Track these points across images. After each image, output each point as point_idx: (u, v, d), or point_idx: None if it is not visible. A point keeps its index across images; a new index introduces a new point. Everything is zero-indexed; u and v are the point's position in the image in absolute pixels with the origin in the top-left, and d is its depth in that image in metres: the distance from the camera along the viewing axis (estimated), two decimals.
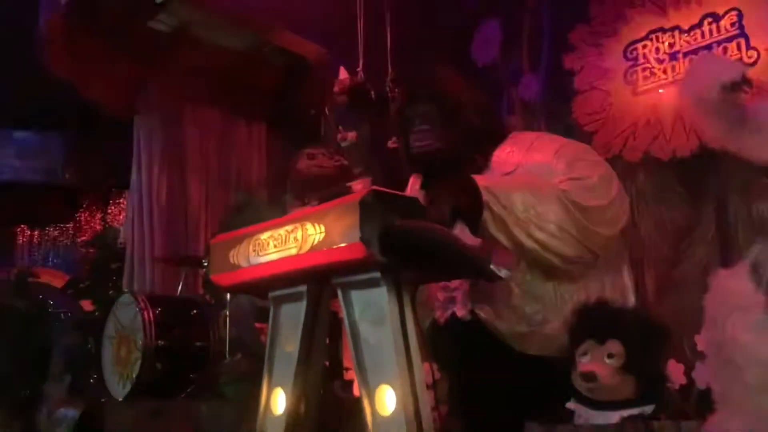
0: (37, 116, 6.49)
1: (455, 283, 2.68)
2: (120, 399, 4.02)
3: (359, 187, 4.23)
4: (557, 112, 4.42)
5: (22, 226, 7.51)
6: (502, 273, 2.22)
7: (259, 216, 3.75)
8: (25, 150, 6.86)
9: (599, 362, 2.25)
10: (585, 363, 2.28)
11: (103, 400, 4.32)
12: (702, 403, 2.48)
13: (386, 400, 2.19)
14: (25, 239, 7.64)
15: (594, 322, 2.33)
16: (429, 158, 2.70)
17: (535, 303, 2.55)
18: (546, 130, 4.12)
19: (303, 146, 4.32)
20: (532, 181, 2.51)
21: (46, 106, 6.09)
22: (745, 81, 2.65)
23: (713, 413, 2.20)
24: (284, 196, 4.69)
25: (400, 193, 2.38)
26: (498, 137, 2.78)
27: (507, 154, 2.71)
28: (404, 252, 2.16)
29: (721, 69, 2.76)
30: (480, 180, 2.45)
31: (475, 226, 2.42)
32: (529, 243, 2.42)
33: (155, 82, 5.33)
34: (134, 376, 3.94)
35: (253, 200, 4.99)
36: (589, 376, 2.23)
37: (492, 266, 2.22)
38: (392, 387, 2.18)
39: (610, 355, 2.25)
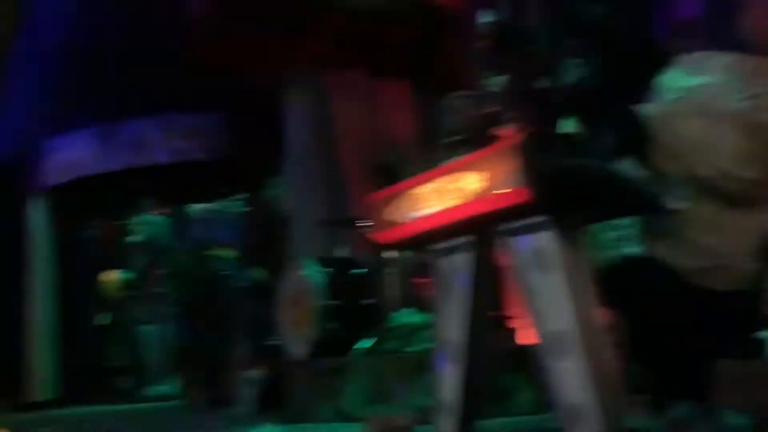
0: (196, 99, 6.85)
1: (626, 220, 2.55)
2: (300, 359, 4.21)
3: (511, 132, 4.14)
4: (723, 30, 4.07)
5: (192, 202, 7.99)
6: (675, 205, 2.08)
7: (410, 173, 3.76)
8: (189, 131, 7.28)
9: None
10: None
11: (284, 360, 4.54)
12: None
13: (562, 348, 2.14)
14: (196, 215, 8.11)
15: None
16: (585, 94, 2.57)
17: (714, 234, 2.38)
18: (711, 49, 3.80)
19: (448, 98, 4.28)
20: (705, 102, 2.33)
21: (203, 89, 6.42)
22: None
23: None
24: (434, 151, 4.68)
25: (559, 132, 2.29)
26: (660, 62, 2.60)
27: (671, 79, 2.53)
28: (570, 192, 2.09)
29: None
30: (645, 110, 2.30)
31: (642, 158, 2.28)
32: (703, 171, 2.26)
33: (301, 53, 5.46)
34: (310, 336, 4.11)
35: (403, 158, 5.00)
36: None
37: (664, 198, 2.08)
38: (568, 334, 2.13)
39: None
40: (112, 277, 7.82)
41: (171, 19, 5.34)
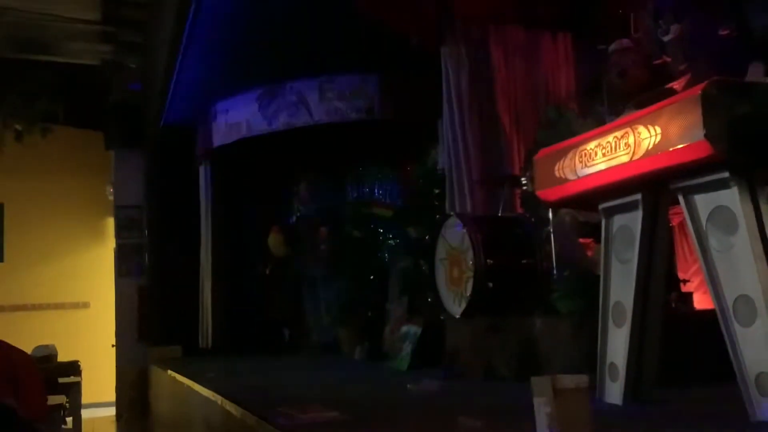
0: (354, 59, 6.94)
1: None
2: (456, 316, 4.22)
3: (681, 84, 3.88)
4: None
5: (350, 162, 8.15)
6: None
7: (572, 130, 3.61)
8: (347, 92, 7.40)
9: None
10: None
11: (441, 317, 4.58)
12: None
13: (747, 312, 1.99)
14: (353, 175, 8.28)
15: None
16: None
17: None
18: None
19: (613, 49, 4.06)
20: None
21: (360, 49, 6.48)
22: None
23: None
24: (597, 106, 4.48)
25: (747, 80, 2.12)
26: None
27: None
28: (758, 146, 1.92)
29: None
30: None
31: None
32: None
33: (457, 9, 5.37)
34: (468, 294, 4.10)
35: (565, 114, 4.83)
36: None
37: None
38: (753, 298, 1.99)
39: None
40: (277, 233, 8.17)
41: None
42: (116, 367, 9.31)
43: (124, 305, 9.27)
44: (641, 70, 3.88)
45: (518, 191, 4.80)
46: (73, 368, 8.37)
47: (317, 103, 7.54)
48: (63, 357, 8.68)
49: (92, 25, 8.97)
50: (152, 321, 8.93)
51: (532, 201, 4.22)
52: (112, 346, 9.46)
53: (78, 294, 11.63)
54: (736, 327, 2.02)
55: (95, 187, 11.41)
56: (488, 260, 4.07)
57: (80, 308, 11.62)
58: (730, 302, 2.05)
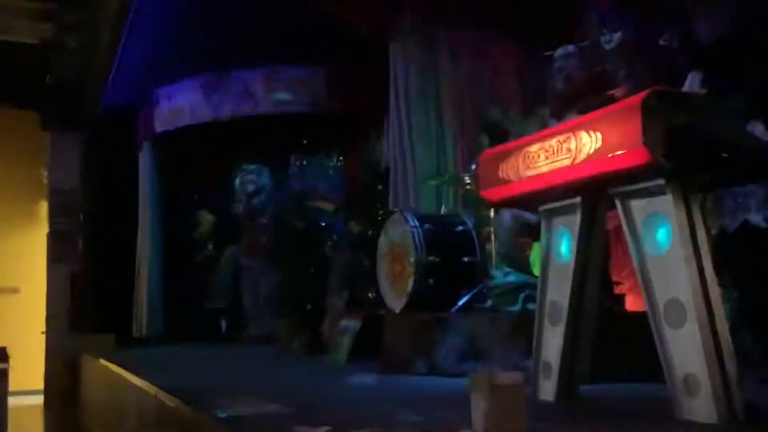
0: (301, 51, 6.90)
1: (749, 187, 2.43)
2: (397, 311, 4.25)
3: (622, 93, 3.98)
4: None
5: (294, 154, 8.12)
6: None
7: (520, 132, 3.67)
8: (293, 83, 7.37)
9: None
10: None
11: (381, 312, 4.60)
12: None
13: (677, 314, 2.07)
14: (296, 167, 8.25)
15: None
16: (716, 49, 2.43)
17: None
18: None
19: (559, 55, 4.14)
20: None
21: (309, 41, 6.45)
22: None
23: None
24: (539, 109, 4.56)
25: (685, 91, 2.19)
26: None
27: None
28: (694, 155, 2.00)
29: None
30: None
31: None
32: None
33: (409, 6, 5.40)
34: (409, 290, 4.14)
35: (508, 116, 4.91)
36: None
37: None
38: (683, 301, 2.06)
39: None
40: (209, 218, 8.08)
41: None
42: (45, 354, 9.06)
43: (56, 291, 9.00)
44: (584, 76, 3.96)
45: (460, 190, 4.87)
46: (1, 354, 8.11)
47: (263, 94, 7.49)
48: None
49: (32, 2, 8.68)
50: (85, 308, 8.72)
51: (474, 200, 4.28)
52: (42, 333, 9.21)
53: (8, 279, 11.26)
54: (667, 329, 2.10)
55: (29, 169, 11.05)
56: (430, 257, 4.11)
57: (9, 293, 11.26)
58: (661, 305, 2.13)
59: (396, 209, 4.79)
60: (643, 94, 2.00)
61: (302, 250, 6.84)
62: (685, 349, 2.02)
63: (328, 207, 7.19)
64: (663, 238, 2.13)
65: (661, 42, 3.41)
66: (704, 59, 2.41)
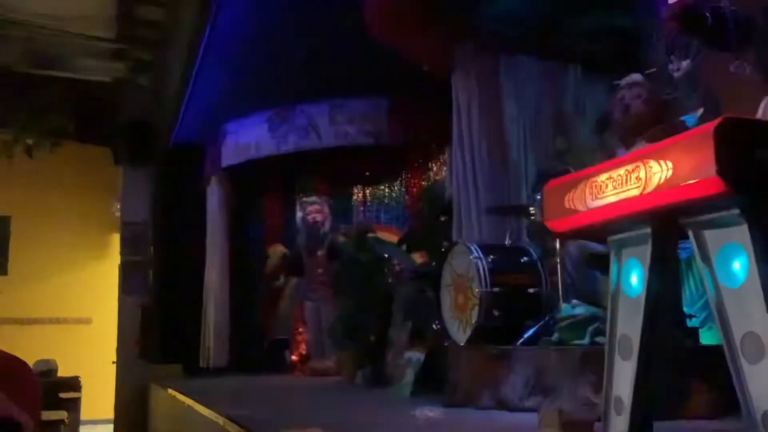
0: (364, 84, 7.00)
1: None
2: (461, 343, 4.21)
3: (693, 119, 3.90)
4: None
5: (357, 186, 8.19)
6: None
7: (587, 161, 3.63)
8: (356, 116, 7.46)
9: None
10: None
11: (445, 344, 4.56)
12: None
13: (754, 349, 1.99)
14: (359, 198, 8.32)
15: None
16: None
17: None
18: None
19: (624, 83, 4.09)
20: None
21: (371, 75, 6.55)
22: None
23: None
24: (606, 137, 4.50)
25: (760, 119, 2.13)
26: None
27: None
28: None
29: None
30: None
31: None
32: None
33: (469, 38, 5.43)
34: (473, 321, 4.10)
35: (573, 146, 4.86)
36: None
37: None
38: (760, 335, 1.98)
39: None
40: (279, 250, 8.18)
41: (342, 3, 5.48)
42: (116, 384, 9.29)
43: (126, 322, 9.25)
44: (646, 105, 3.90)
45: (526, 221, 4.82)
46: (74, 384, 8.35)
47: (327, 127, 7.60)
48: (63, 372, 8.66)
49: (106, 43, 9.06)
50: (154, 339, 8.91)
51: (539, 231, 4.23)
52: (113, 362, 9.45)
53: (81, 309, 11.63)
54: (744, 364, 2.02)
55: (102, 203, 11.45)
56: (494, 288, 4.07)
57: (82, 324, 11.62)
58: (737, 339, 2.05)
59: (459, 241, 4.77)
60: (716, 122, 1.96)
61: (365, 282, 6.85)
62: (764, 385, 1.94)
63: (391, 239, 7.20)
64: (739, 269, 2.06)
65: (731, 69, 3.34)
66: None
